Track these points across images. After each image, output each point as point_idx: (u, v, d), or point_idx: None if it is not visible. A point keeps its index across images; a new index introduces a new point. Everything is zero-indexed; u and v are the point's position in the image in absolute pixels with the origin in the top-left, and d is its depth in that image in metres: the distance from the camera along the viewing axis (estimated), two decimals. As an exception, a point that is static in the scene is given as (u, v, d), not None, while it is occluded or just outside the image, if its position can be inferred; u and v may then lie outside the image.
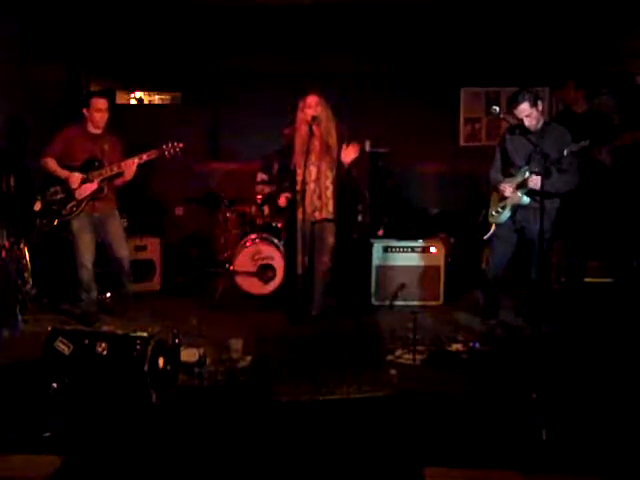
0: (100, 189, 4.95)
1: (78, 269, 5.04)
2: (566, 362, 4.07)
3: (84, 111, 5.03)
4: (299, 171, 4.94)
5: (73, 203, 4.93)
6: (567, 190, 4.45)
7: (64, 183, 4.93)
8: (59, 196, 4.94)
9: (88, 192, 4.93)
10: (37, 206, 4.93)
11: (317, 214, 5.01)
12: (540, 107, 4.40)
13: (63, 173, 4.92)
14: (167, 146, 4.92)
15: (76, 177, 4.91)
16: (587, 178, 4.89)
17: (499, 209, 4.65)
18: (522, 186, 4.45)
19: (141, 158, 4.91)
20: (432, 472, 2.81)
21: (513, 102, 4.40)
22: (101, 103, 4.99)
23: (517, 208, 4.56)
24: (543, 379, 3.53)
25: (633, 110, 6.30)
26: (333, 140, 4.93)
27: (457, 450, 3.01)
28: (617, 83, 6.66)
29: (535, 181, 4.29)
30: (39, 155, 5.02)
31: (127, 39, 6.98)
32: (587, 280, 5.64)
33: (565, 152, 4.14)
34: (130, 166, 4.90)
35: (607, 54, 6.70)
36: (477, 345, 4.41)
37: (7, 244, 5.19)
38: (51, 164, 4.95)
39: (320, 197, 4.98)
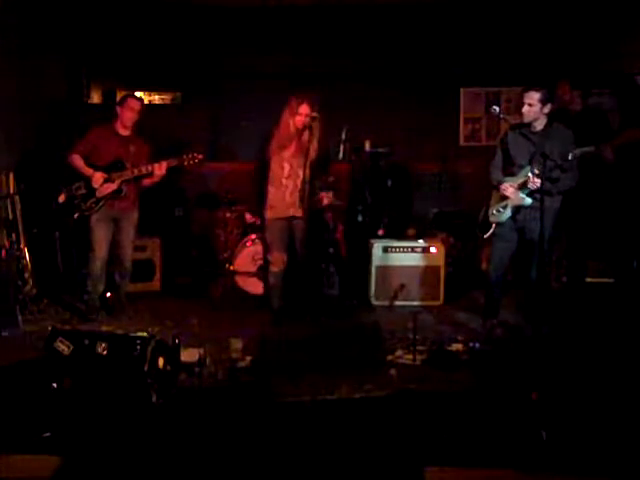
0: (119, 190, 5.04)
1: (90, 261, 5.14)
2: (566, 362, 4.07)
3: (117, 108, 5.14)
4: (287, 169, 4.92)
5: (93, 200, 5.05)
6: (567, 188, 4.45)
7: (88, 180, 5.05)
8: (82, 191, 5.07)
9: (108, 191, 5.04)
10: (61, 198, 5.08)
11: (300, 211, 4.94)
12: (546, 109, 4.41)
13: (87, 171, 5.05)
14: (187, 156, 5.00)
15: (98, 176, 5.02)
16: (588, 177, 4.89)
17: (500, 208, 4.64)
18: (524, 186, 4.44)
19: (161, 165, 4.98)
20: (432, 472, 2.81)
21: (527, 88, 4.43)
22: (135, 104, 5.10)
23: (519, 208, 4.55)
24: (543, 379, 3.53)
25: (633, 110, 6.30)
26: (314, 144, 4.90)
27: (457, 450, 3.01)
28: (617, 83, 6.65)
29: (535, 183, 4.28)
30: (66, 151, 5.15)
31: (127, 39, 6.99)
32: (588, 280, 5.64)
33: (570, 156, 4.15)
34: (158, 170, 4.99)
35: (607, 54, 6.70)
36: (477, 345, 4.40)
37: (7, 244, 5.21)
38: (77, 161, 5.07)
39: (301, 193, 4.88)
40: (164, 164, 4.99)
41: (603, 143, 4.78)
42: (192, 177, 6.68)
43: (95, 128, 5.21)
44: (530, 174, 4.35)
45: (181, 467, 2.89)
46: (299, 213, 4.98)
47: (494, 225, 4.71)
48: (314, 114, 4.83)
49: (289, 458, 2.96)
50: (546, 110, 4.42)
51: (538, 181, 4.24)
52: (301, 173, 4.93)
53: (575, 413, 3.32)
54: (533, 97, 4.38)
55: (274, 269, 5.07)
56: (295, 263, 5.11)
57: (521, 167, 4.50)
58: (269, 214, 5.00)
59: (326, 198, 5.33)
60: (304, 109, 4.85)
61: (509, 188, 4.53)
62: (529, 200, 4.45)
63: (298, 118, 4.85)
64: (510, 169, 4.61)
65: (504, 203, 4.61)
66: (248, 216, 5.74)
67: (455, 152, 7.19)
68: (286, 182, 4.95)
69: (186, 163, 5.01)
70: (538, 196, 4.31)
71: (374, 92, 7.03)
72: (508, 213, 4.60)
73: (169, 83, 7.44)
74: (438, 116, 7.05)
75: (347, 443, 3.09)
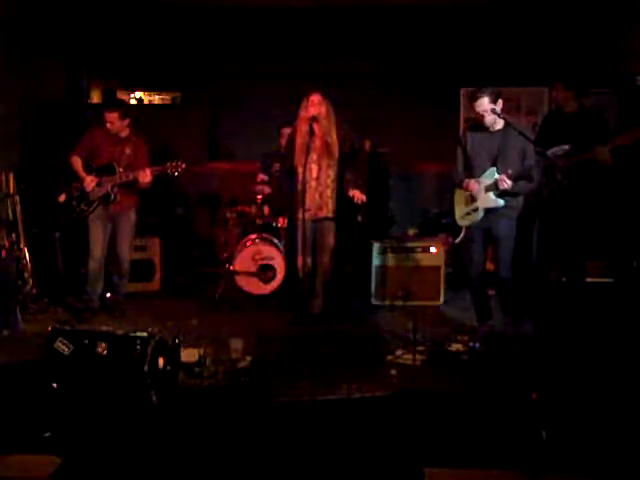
0: (108, 195, 5.05)
1: (87, 260, 5.16)
2: (566, 362, 4.07)
3: None
4: (300, 170, 4.95)
5: (86, 202, 5.09)
6: (526, 191, 4.38)
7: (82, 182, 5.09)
8: (77, 193, 5.11)
9: (98, 195, 5.07)
10: (62, 198, 5.15)
11: (319, 212, 5.01)
12: (499, 106, 4.30)
13: (81, 174, 5.08)
14: (171, 164, 4.96)
15: (89, 181, 5.05)
16: (587, 178, 4.89)
17: (470, 211, 4.51)
18: (492, 188, 4.32)
19: (145, 173, 4.95)
20: (432, 472, 2.81)
21: (473, 99, 4.34)
22: (109, 116, 5.06)
23: (490, 210, 4.40)
24: (543, 379, 3.53)
25: (633, 110, 6.30)
26: (333, 139, 4.93)
27: (457, 450, 3.01)
28: (617, 83, 6.65)
29: (506, 182, 4.20)
30: (67, 152, 5.18)
31: (128, 39, 6.99)
32: (588, 280, 5.63)
33: (553, 153, 4.10)
34: (142, 177, 4.96)
35: (607, 54, 6.70)
36: (477, 345, 4.40)
37: (7, 244, 5.21)
38: (75, 163, 5.11)
39: (321, 195, 4.99)
40: (148, 171, 4.95)
41: (600, 145, 4.77)
42: (192, 177, 6.68)
43: (91, 129, 5.23)
44: (497, 175, 4.28)
45: (181, 467, 2.89)
46: (331, 214, 5.03)
47: (464, 229, 4.63)
48: (315, 114, 4.83)
49: (289, 458, 2.96)
50: (499, 107, 4.31)
51: (510, 182, 4.19)
52: (331, 173, 4.98)
53: (575, 413, 3.32)
54: (483, 103, 4.27)
55: (299, 273, 5.07)
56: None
57: (483, 169, 4.40)
58: (298, 215, 4.96)
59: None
60: (314, 97, 4.87)
61: (475, 186, 4.40)
62: (501, 201, 4.33)
63: (311, 108, 4.86)
64: (470, 170, 4.50)
65: (474, 206, 4.47)
66: (281, 222, 5.72)
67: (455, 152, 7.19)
68: (315, 184, 4.96)
69: (169, 171, 4.96)
70: (506, 197, 4.31)
71: (374, 92, 7.03)
72: (480, 215, 4.44)
73: (169, 83, 7.44)
74: (438, 116, 7.04)
75: (347, 443, 3.09)
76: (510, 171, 4.21)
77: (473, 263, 4.64)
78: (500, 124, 4.38)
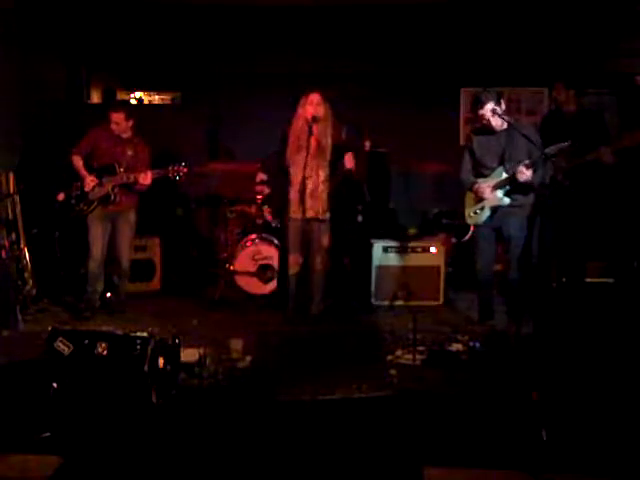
0: (108, 196, 5.05)
1: (87, 260, 5.18)
2: (566, 362, 4.07)
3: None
4: (292, 169, 4.94)
5: (86, 201, 5.10)
6: (538, 184, 4.42)
7: (83, 182, 5.10)
8: (77, 192, 5.12)
9: (98, 196, 5.07)
10: (60, 196, 5.16)
11: (311, 212, 4.98)
12: (503, 106, 4.37)
13: (82, 173, 5.10)
14: (172, 168, 4.99)
15: (90, 180, 5.07)
16: (588, 178, 4.89)
17: (477, 210, 4.60)
18: (500, 186, 4.41)
19: (146, 175, 4.97)
20: (432, 472, 2.81)
21: (478, 103, 4.37)
22: (115, 117, 5.08)
23: (496, 208, 4.51)
24: (543, 379, 3.53)
25: (633, 110, 6.30)
26: (327, 141, 4.92)
27: (457, 450, 3.01)
28: (617, 83, 6.65)
29: (525, 173, 4.26)
30: (66, 151, 5.21)
31: (127, 39, 6.99)
32: (588, 280, 5.64)
33: (552, 150, 4.12)
34: (142, 180, 4.99)
35: (606, 54, 6.70)
36: (477, 345, 4.40)
37: (7, 244, 5.21)
38: (76, 162, 5.13)
39: (312, 196, 4.96)
40: (149, 174, 4.98)
41: (604, 146, 4.78)
42: (192, 177, 6.67)
43: (93, 129, 5.24)
44: (505, 174, 4.35)
45: (181, 467, 2.89)
46: (321, 215, 5.00)
47: (472, 227, 4.69)
48: (314, 114, 4.83)
49: (289, 458, 2.96)
50: (503, 107, 4.36)
51: (529, 172, 4.24)
52: (322, 174, 4.95)
53: (575, 413, 3.32)
54: (490, 108, 4.32)
55: (289, 272, 5.08)
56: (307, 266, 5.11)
57: (492, 168, 4.47)
58: (289, 215, 4.99)
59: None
60: (314, 97, 4.86)
61: (486, 189, 4.49)
62: (507, 200, 4.43)
63: (309, 107, 4.85)
64: (479, 170, 4.57)
65: (481, 205, 4.57)
66: (269, 217, 5.80)
67: (455, 152, 7.19)
68: (306, 183, 4.94)
69: (170, 175, 4.99)
70: (515, 195, 4.34)
71: (374, 92, 7.03)
72: (487, 214, 4.55)
73: (169, 83, 7.44)
74: (438, 116, 7.04)
75: (347, 443, 3.09)
76: (527, 161, 4.25)
77: (482, 262, 4.67)
78: (505, 124, 4.42)
